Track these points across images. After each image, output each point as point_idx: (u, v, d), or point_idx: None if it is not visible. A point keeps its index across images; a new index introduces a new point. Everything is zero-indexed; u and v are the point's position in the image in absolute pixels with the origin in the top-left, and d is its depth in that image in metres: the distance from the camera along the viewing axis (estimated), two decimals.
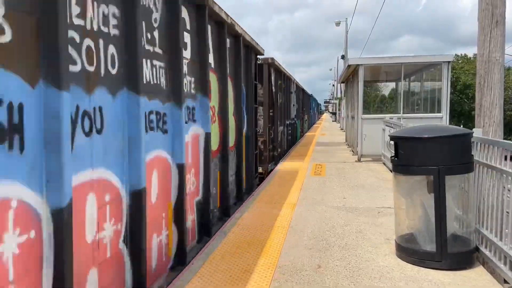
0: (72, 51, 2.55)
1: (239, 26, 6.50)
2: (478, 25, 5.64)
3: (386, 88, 19.66)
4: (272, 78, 10.99)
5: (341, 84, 24.51)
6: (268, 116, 10.60)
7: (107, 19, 2.99)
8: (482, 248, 4.01)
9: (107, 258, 2.95)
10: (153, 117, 3.67)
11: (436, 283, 3.60)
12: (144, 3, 3.54)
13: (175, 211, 4.14)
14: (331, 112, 68.17)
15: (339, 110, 40.95)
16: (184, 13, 4.49)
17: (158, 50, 3.81)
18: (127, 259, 3.23)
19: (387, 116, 10.99)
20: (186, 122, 4.40)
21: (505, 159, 3.68)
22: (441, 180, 3.88)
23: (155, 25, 3.76)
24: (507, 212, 3.56)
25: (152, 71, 3.68)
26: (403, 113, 11.55)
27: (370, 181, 8.43)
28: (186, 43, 4.54)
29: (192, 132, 4.69)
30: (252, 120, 7.72)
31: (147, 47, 3.60)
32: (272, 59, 10.65)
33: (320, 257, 4.24)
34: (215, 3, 5.32)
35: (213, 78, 5.51)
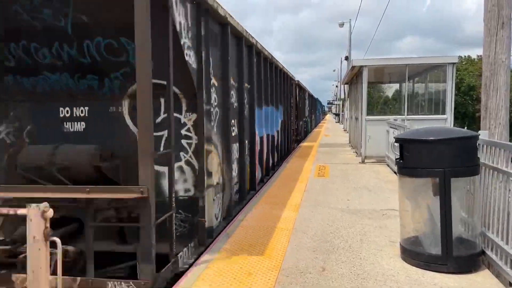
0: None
1: (287, 70, 13.04)
2: (484, 26, 5.61)
3: (390, 89, 19.60)
4: (297, 91, 17.29)
5: (345, 85, 24.49)
6: (295, 115, 16.39)
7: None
8: (488, 251, 3.98)
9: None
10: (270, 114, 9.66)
11: (441, 287, 3.57)
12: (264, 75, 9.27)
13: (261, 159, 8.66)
14: (334, 113, 68.08)
15: (343, 111, 40.91)
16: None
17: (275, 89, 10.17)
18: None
19: (391, 117, 10.95)
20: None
21: (511, 161, 3.65)
22: (447, 182, 3.85)
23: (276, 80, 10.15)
24: None
25: (271, 95, 9.59)
26: (407, 114, 11.51)
27: (374, 183, 8.39)
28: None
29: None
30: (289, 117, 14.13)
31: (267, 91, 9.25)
32: (298, 81, 17.65)
33: (324, 260, 4.22)
34: (265, 50, 8.78)
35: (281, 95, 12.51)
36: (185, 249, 4.37)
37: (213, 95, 5.23)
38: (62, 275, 2.39)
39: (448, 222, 3.86)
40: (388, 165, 10.40)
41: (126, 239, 4.63)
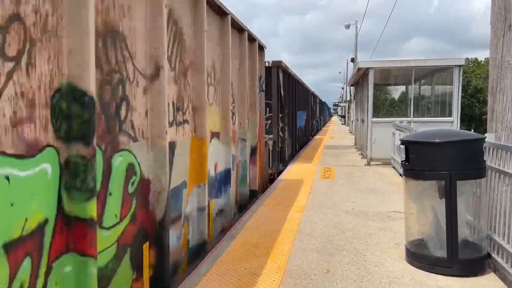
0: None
1: (307, 86, 21.00)
2: (490, 29, 5.58)
3: (396, 91, 19.53)
4: (311, 99, 24.74)
5: (351, 87, 24.43)
6: (312, 116, 24.45)
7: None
8: (494, 255, 3.96)
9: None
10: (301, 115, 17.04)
11: None
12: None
13: (299, 138, 17.20)
14: (340, 115, 67.93)
15: (349, 113, 40.83)
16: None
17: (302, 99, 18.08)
18: None
19: (397, 119, 10.92)
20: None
21: None
22: (453, 185, 3.83)
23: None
24: None
25: (300, 104, 16.55)
26: (413, 116, 11.47)
27: (380, 185, 8.37)
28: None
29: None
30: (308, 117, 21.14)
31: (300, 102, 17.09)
32: (313, 91, 25.47)
33: (329, 261, 4.22)
34: (296, 76, 15.39)
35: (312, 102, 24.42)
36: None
37: (286, 107, 12.25)
38: None
39: (454, 225, 3.85)
40: (393, 168, 10.37)
41: None
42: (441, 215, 3.93)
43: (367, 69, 11.59)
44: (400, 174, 8.43)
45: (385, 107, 18.93)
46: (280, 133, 11.31)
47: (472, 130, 29.73)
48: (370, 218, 5.85)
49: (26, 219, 2.16)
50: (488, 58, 5.99)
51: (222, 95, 5.89)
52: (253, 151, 7.65)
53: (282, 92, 11.07)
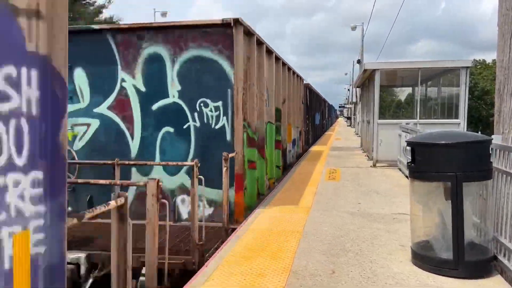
0: None
1: (321, 94, 30.01)
2: (497, 30, 5.56)
3: (403, 93, 19.47)
4: (323, 104, 32.49)
5: (357, 88, 24.39)
6: (322, 117, 29.94)
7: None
8: (500, 257, 3.93)
9: None
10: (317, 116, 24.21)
11: None
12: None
13: (317, 133, 25.08)
14: (346, 117, 67.80)
15: (354, 115, 40.84)
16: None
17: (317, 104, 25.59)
18: None
19: (403, 121, 10.89)
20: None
21: None
22: (459, 187, 3.82)
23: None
24: None
25: (316, 107, 23.86)
26: (420, 118, 11.43)
27: (385, 187, 8.35)
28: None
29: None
30: (321, 117, 27.71)
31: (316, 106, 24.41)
32: (324, 97, 33.47)
33: (334, 263, 4.22)
34: (315, 89, 23.94)
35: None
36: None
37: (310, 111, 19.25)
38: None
39: (460, 227, 3.84)
40: (400, 169, 10.33)
41: None
42: (447, 217, 3.92)
43: (373, 70, 11.57)
44: (406, 176, 8.40)
45: (391, 109, 18.85)
46: (308, 127, 18.27)
47: (479, 132, 29.59)
48: (375, 220, 5.84)
49: None
50: (495, 59, 5.95)
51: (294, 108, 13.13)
52: (300, 134, 15.30)
53: (308, 102, 17.82)
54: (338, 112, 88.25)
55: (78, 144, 6.97)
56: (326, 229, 5.38)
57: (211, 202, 6.48)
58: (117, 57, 6.74)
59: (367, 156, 13.62)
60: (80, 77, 6.89)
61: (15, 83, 1.67)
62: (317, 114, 23.68)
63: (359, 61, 34.44)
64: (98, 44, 6.78)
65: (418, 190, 4.27)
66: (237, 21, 6.28)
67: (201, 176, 5.10)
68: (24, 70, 1.70)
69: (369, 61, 27.11)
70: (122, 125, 6.80)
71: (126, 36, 6.69)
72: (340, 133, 32.36)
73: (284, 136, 11.08)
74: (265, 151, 8.24)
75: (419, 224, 4.28)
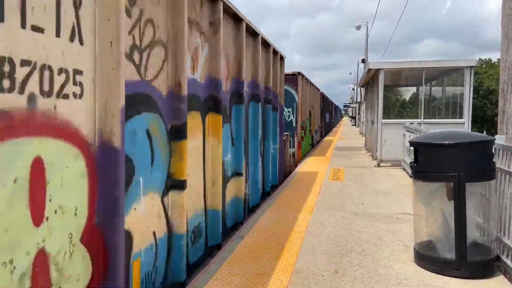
0: None
1: (330, 98, 37.28)
2: (501, 30, 5.54)
3: (407, 92, 19.41)
4: (331, 105, 39.68)
5: (361, 88, 24.34)
6: (331, 116, 36.81)
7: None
8: (503, 257, 3.93)
9: None
10: (327, 115, 30.82)
11: None
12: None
13: (329, 128, 33.04)
14: (350, 116, 67.71)
15: (359, 114, 40.93)
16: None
17: (327, 106, 32.18)
18: None
19: (408, 121, 10.88)
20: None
21: None
22: (461, 187, 3.83)
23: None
24: None
25: (326, 109, 29.42)
26: (424, 118, 11.40)
27: (389, 187, 8.34)
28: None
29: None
30: (329, 116, 33.37)
31: (327, 108, 30.86)
32: (332, 100, 40.41)
33: (337, 263, 4.23)
34: (325, 94, 28.29)
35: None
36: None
37: (323, 112, 25.27)
38: None
39: (463, 227, 3.84)
40: (404, 169, 10.32)
41: None
42: (450, 217, 3.92)
43: (377, 70, 11.56)
44: (410, 176, 8.39)
45: (395, 109, 18.81)
46: (322, 123, 23.93)
47: (484, 132, 29.45)
48: (379, 220, 5.84)
49: None
50: (500, 59, 5.92)
51: (315, 110, 19.69)
52: (318, 128, 20.89)
53: (321, 106, 23.08)
54: (343, 112, 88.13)
55: None
56: (329, 229, 5.39)
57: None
58: None
59: (371, 156, 13.61)
60: None
61: None
62: (327, 114, 30.37)
63: (363, 61, 34.40)
64: None
65: (421, 190, 4.28)
66: (299, 73, 13.50)
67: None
68: None
69: (374, 60, 27.46)
70: None
71: None
72: (345, 133, 32.32)
73: (312, 127, 18.01)
74: (306, 134, 15.61)
75: (422, 224, 4.28)
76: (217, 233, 4.70)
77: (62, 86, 2.19)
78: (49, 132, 2.09)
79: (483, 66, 46.69)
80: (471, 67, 10.67)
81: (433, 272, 3.94)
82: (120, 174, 2.53)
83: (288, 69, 11.17)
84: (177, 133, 3.55)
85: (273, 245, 4.78)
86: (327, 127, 30.87)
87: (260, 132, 6.94)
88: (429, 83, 14.08)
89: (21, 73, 1.91)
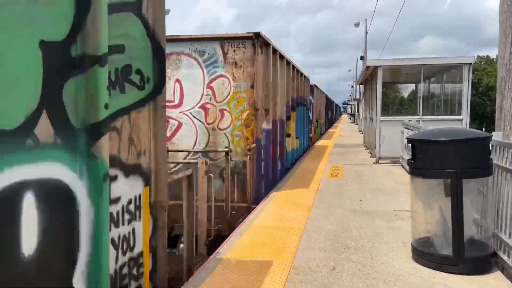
0: None
1: (334, 100, 51.02)
2: (499, 27, 5.55)
3: (406, 89, 19.43)
4: (333, 104, 49.70)
5: (360, 85, 24.37)
6: (332, 113, 44.15)
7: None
8: (500, 253, 3.95)
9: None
10: (329, 113, 38.78)
11: None
12: None
13: (331, 123, 42.60)
14: (349, 114, 67.76)
15: (358, 111, 41.06)
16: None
17: (330, 105, 41.80)
18: None
19: (406, 118, 10.88)
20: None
21: None
22: (458, 183, 3.84)
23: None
24: None
25: (329, 107, 39.32)
26: (423, 115, 11.42)
27: (388, 184, 8.36)
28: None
29: None
30: (331, 113, 42.03)
31: (329, 107, 39.58)
32: (333, 101, 53.08)
33: (335, 259, 4.25)
34: (329, 97, 40.51)
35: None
36: None
37: (326, 110, 33.66)
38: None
39: (460, 223, 3.86)
40: (402, 166, 10.34)
41: None
42: (447, 214, 3.94)
43: (376, 67, 11.56)
44: (409, 173, 8.40)
45: (394, 106, 18.82)
46: (325, 119, 28.65)
47: (483, 129, 29.50)
48: (377, 217, 5.86)
49: None
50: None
51: (321, 110, 27.16)
52: (324, 121, 29.50)
53: (325, 105, 28.59)
54: (342, 109, 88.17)
55: None
56: (328, 226, 5.40)
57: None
58: None
59: (370, 153, 13.63)
60: None
61: None
62: (329, 112, 37.12)
63: (362, 58, 34.40)
64: None
65: (419, 187, 4.29)
66: (315, 85, 19.88)
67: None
68: None
69: (373, 57, 27.45)
70: None
71: None
72: (343, 130, 32.35)
73: (320, 121, 24.37)
74: (318, 124, 22.39)
75: (420, 221, 4.30)
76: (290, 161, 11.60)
77: None
78: None
79: (482, 62, 46.72)
80: (469, 64, 10.67)
81: (431, 268, 3.96)
82: None
83: None
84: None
85: (272, 242, 4.79)
86: (330, 122, 39.91)
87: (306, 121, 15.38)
88: (427, 80, 14.09)
89: None
